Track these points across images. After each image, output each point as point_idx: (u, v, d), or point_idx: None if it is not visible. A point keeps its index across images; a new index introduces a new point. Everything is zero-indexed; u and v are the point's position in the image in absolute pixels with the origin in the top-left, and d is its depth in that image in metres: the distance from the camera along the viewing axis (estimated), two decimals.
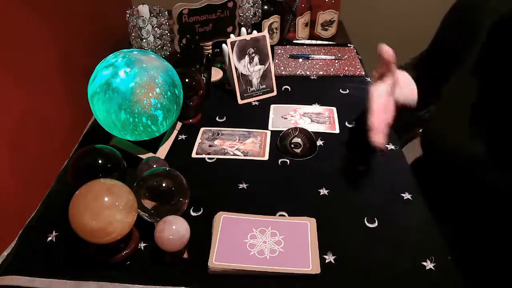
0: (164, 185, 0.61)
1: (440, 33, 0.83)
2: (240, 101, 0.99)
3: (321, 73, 1.11)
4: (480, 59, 0.70)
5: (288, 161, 0.81)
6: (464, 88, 0.72)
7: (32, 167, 0.86)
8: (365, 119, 0.71)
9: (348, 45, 1.27)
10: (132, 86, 0.69)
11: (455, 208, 0.77)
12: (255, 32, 0.98)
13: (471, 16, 0.73)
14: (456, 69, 0.75)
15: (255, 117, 0.94)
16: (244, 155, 0.82)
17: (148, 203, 0.60)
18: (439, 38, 0.83)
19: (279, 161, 0.81)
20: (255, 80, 1.00)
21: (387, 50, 0.69)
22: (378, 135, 0.68)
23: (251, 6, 1.13)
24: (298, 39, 1.30)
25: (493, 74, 0.67)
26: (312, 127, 0.90)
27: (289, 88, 1.06)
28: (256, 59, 0.99)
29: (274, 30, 1.23)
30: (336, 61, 1.16)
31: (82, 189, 0.56)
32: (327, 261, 0.61)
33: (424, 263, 0.61)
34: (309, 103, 0.99)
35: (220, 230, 0.65)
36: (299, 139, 0.84)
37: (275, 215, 0.69)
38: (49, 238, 0.65)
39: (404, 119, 0.90)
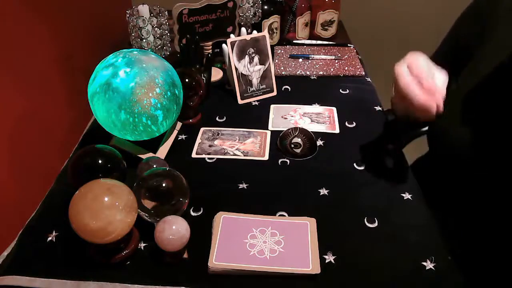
0: (164, 185, 0.61)
1: (454, 29, 0.82)
2: (240, 101, 0.99)
3: (321, 73, 1.11)
4: (491, 56, 0.69)
5: (288, 161, 0.81)
6: (467, 83, 0.71)
7: (32, 167, 0.86)
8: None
9: (348, 45, 1.27)
10: (132, 86, 0.69)
11: (455, 208, 0.78)
12: (255, 32, 0.98)
13: (486, 11, 0.72)
14: (468, 64, 0.74)
15: (255, 117, 0.94)
16: (244, 155, 0.82)
17: (148, 203, 0.60)
18: (453, 34, 0.82)
19: (279, 161, 0.81)
20: (255, 80, 1.00)
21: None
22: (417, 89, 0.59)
23: (251, 6, 1.13)
24: (298, 39, 1.30)
25: (501, 71, 0.67)
26: (312, 127, 0.90)
27: (289, 88, 1.06)
28: (256, 59, 0.99)
29: (274, 30, 1.23)
30: (336, 61, 1.16)
31: (82, 189, 0.56)
32: (327, 261, 0.61)
33: (424, 263, 0.61)
34: (309, 103, 0.99)
35: (220, 230, 0.65)
36: (299, 139, 0.84)
37: (275, 215, 0.69)
38: (49, 238, 0.65)
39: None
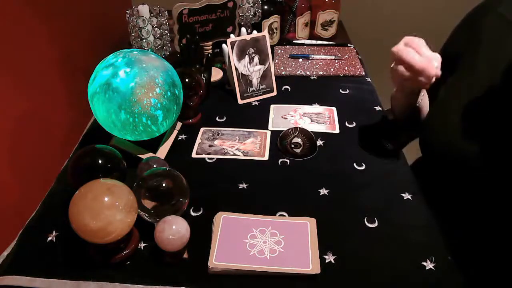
0: (164, 185, 0.61)
1: (451, 37, 0.83)
2: (240, 101, 0.99)
3: (321, 73, 1.11)
4: (482, 61, 0.70)
5: (288, 161, 0.81)
6: (459, 89, 0.72)
7: (32, 167, 0.86)
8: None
9: (348, 45, 1.27)
10: (132, 86, 0.69)
11: (455, 208, 0.78)
12: (255, 32, 0.98)
13: (479, 19, 0.73)
14: (457, 71, 0.75)
15: (255, 117, 0.94)
16: (244, 155, 0.82)
17: (148, 203, 0.60)
18: (449, 41, 0.83)
19: (279, 161, 0.81)
20: (255, 80, 1.00)
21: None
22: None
23: (251, 6, 1.13)
24: (298, 39, 1.30)
25: (493, 77, 0.68)
26: (312, 127, 0.90)
27: (289, 88, 1.06)
28: (256, 59, 0.99)
29: (274, 30, 1.23)
30: (336, 61, 1.16)
31: (82, 189, 0.56)
32: (327, 261, 0.61)
33: (424, 263, 0.61)
34: (309, 103, 0.99)
35: (220, 230, 0.65)
36: (299, 139, 0.84)
37: (275, 215, 0.69)
38: (49, 238, 0.65)
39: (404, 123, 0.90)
